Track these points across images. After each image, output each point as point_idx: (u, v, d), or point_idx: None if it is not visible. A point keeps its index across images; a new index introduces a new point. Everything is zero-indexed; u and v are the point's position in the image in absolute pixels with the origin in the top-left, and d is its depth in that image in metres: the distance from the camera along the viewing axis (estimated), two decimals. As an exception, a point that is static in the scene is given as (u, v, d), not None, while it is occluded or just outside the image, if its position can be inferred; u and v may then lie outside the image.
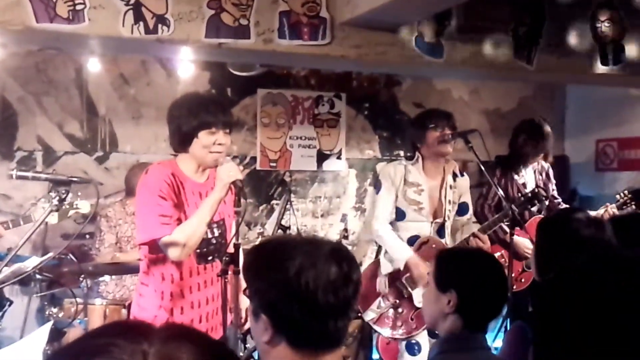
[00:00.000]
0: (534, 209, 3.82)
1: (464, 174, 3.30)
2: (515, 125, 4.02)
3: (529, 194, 3.35)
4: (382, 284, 3.14)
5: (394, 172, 3.12)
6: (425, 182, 3.12)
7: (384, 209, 3.11)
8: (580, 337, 0.85)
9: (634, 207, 3.74)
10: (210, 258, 2.37)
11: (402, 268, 3.07)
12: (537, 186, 3.62)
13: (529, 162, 3.88)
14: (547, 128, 3.89)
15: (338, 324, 1.20)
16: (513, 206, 3.20)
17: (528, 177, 3.88)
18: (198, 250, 2.29)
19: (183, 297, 2.31)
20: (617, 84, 4.46)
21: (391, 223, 3.13)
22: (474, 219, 3.34)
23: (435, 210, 3.14)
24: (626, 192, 3.84)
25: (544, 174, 3.97)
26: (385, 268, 3.16)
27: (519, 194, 3.80)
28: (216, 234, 2.37)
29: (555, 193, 4.01)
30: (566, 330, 0.86)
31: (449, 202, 3.15)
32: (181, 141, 2.29)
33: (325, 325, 1.18)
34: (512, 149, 3.94)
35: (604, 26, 3.89)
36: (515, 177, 3.86)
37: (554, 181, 4.03)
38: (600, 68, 3.96)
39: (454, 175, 3.20)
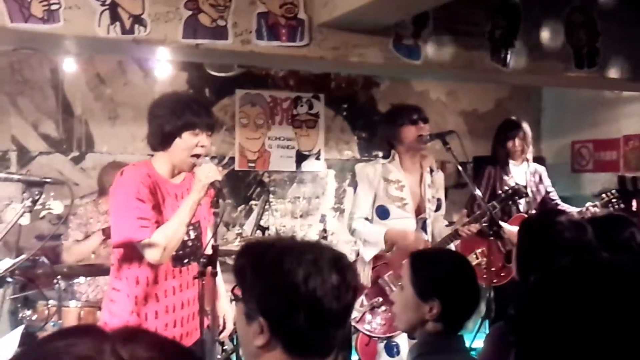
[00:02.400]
0: (521, 207, 3.89)
1: (439, 170, 3.33)
2: (498, 125, 4.08)
3: (510, 190, 3.38)
4: (365, 275, 3.11)
5: (372, 173, 3.12)
6: (405, 178, 3.12)
7: (360, 208, 3.12)
8: (562, 342, 0.86)
9: (621, 205, 3.81)
10: (186, 261, 2.34)
11: (384, 247, 3.05)
12: (516, 183, 3.65)
13: (515, 159, 3.94)
14: (525, 125, 3.98)
15: (337, 332, 1.21)
16: (495, 202, 3.25)
17: (518, 178, 3.92)
18: (174, 253, 2.26)
19: (157, 301, 2.27)
20: (592, 86, 4.54)
21: (372, 222, 3.12)
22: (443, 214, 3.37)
23: (418, 206, 3.15)
24: (613, 191, 3.91)
25: (536, 176, 4.00)
26: (368, 254, 3.12)
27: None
28: (192, 236, 2.34)
29: (552, 194, 4.05)
30: (549, 334, 0.87)
31: (429, 200, 3.17)
32: (162, 140, 2.24)
33: (326, 332, 1.19)
34: (496, 151, 4.00)
35: (579, 29, 3.96)
36: (505, 177, 3.91)
37: (548, 182, 4.05)
38: (574, 71, 4.03)
39: (431, 171, 3.22)
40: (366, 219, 3.12)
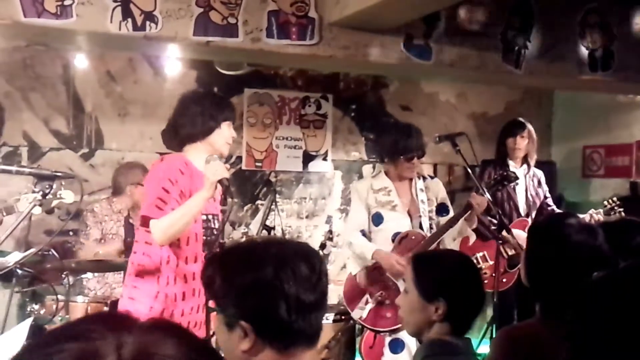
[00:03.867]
0: (522, 211, 3.85)
1: (434, 177, 3.38)
2: (501, 127, 4.06)
3: (498, 177, 3.33)
4: (361, 277, 3.22)
5: (361, 188, 3.26)
6: (391, 184, 3.22)
7: (354, 221, 3.27)
8: (632, 339, 0.84)
9: (622, 213, 3.76)
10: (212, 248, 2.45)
11: (369, 263, 3.18)
12: (507, 170, 3.55)
13: (512, 158, 3.89)
14: (529, 126, 3.93)
15: (318, 318, 1.22)
16: (484, 188, 3.19)
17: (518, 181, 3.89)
18: (205, 238, 2.40)
19: (185, 282, 2.36)
20: (606, 90, 4.50)
21: (370, 231, 3.23)
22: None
23: (409, 208, 3.21)
24: (615, 198, 3.86)
25: (535, 180, 3.97)
26: (354, 269, 3.28)
27: (511, 202, 3.82)
28: (216, 225, 2.46)
29: (549, 200, 4.00)
30: (618, 332, 0.86)
31: (422, 201, 3.22)
32: (202, 132, 2.38)
33: (309, 321, 1.19)
34: (498, 150, 3.97)
35: (593, 32, 3.92)
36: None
37: (546, 188, 4.02)
38: (588, 73, 3.99)
39: (424, 178, 3.29)
40: (362, 231, 3.23)
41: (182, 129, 2.40)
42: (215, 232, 2.43)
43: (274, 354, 1.17)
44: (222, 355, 1.21)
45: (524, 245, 1.95)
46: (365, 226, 3.23)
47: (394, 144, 3.16)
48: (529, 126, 3.93)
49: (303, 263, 1.19)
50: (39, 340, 0.58)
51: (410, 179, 3.24)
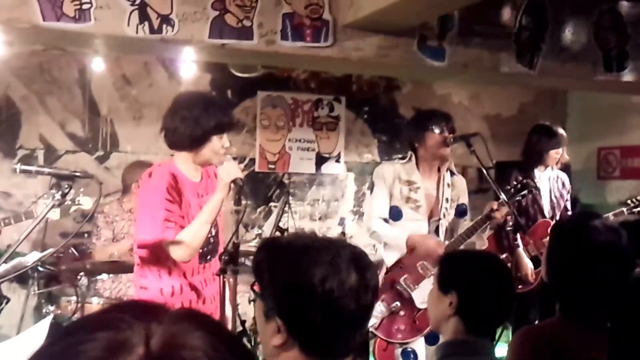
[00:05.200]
0: (546, 212, 3.80)
1: (460, 174, 3.28)
2: (532, 129, 3.95)
3: (518, 185, 3.26)
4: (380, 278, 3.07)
5: (388, 173, 3.08)
6: (420, 180, 3.09)
7: (377, 208, 3.09)
8: None
9: None
10: (208, 257, 2.39)
11: (404, 251, 3.01)
12: (527, 178, 3.50)
13: (544, 163, 3.81)
14: (561, 130, 3.87)
15: (355, 332, 1.19)
16: (504, 197, 3.13)
17: (542, 184, 3.83)
18: (200, 250, 2.31)
19: (193, 291, 2.32)
20: (621, 90, 4.47)
21: (387, 223, 3.10)
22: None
23: (431, 209, 3.11)
24: (639, 197, 3.80)
25: (559, 182, 3.92)
26: (390, 259, 3.09)
27: (535, 205, 3.78)
28: (212, 232, 2.38)
29: (568, 204, 3.94)
30: None
31: (447, 200, 3.12)
32: (190, 143, 2.26)
33: (344, 334, 1.17)
34: (526, 151, 3.90)
35: (608, 32, 3.89)
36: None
37: (569, 190, 3.95)
38: (603, 74, 3.96)
39: (451, 173, 3.18)
40: (384, 220, 3.09)
41: (171, 136, 2.29)
42: (211, 241, 2.36)
43: (302, 357, 1.16)
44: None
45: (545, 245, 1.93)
46: (387, 215, 3.06)
47: (422, 119, 3.12)
48: (564, 133, 3.86)
49: (354, 273, 1.16)
50: (67, 329, 0.57)
51: (439, 170, 3.09)
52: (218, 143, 2.26)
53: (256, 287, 1.25)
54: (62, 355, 0.53)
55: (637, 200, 3.79)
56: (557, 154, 3.81)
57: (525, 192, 3.20)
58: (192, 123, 2.22)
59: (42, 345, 0.56)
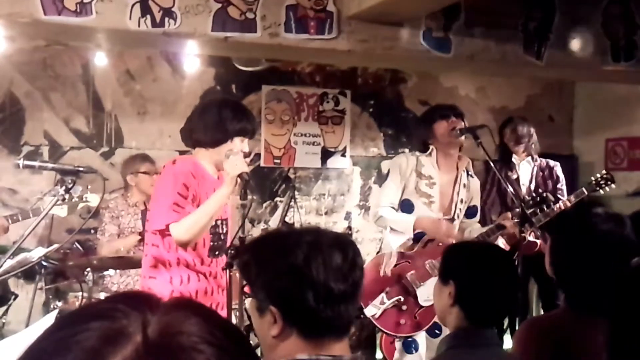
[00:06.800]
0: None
1: (474, 175, 3.24)
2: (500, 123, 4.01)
3: (537, 198, 3.20)
4: (390, 265, 3.00)
5: (405, 163, 3.05)
6: (438, 176, 3.05)
7: (388, 196, 3.06)
8: None
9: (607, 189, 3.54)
10: (217, 252, 2.43)
11: (412, 234, 2.98)
12: (542, 192, 3.46)
13: (515, 154, 3.84)
14: (527, 123, 3.88)
15: (348, 309, 1.21)
16: (517, 210, 3.10)
17: (522, 172, 3.83)
18: (210, 244, 2.36)
19: (199, 280, 2.35)
20: (629, 81, 4.41)
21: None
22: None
23: (444, 207, 3.07)
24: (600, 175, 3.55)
25: (546, 172, 3.89)
26: (395, 242, 3.04)
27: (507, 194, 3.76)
28: (224, 230, 2.44)
29: (560, 194, 3.88)
30: None
31: (461, 200, 3.09)
32: (213, 140, 2.34)
33: (338, 311, 1.18)
34: (500, 146, 3.90)
35: (616, 21, 3.84)
36: (509, 173, 3.82)
37: (563, 181, 3.92)
38: (611, 64, 3.91)
39: (468, 174, 3.14)
40: (394, 208, 3.07)
41: (195, 133, 2.40)
42: (222, 238, 2.42)
43: (301, 341, 1.17)
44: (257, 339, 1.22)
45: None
46: (396, 205, 3.03)
47: (427, 115, 3.13)
48: (517, 120, 3.91)
49: (336, 252, 1.19)
50: (63, 320, 0.57)
51: (457, 168, 3.06)
52: (238, 145, 2.34)
53: (247, 288, 1.30)
54: (56, 347, 0.52)
55: (600, 178, 3.60)
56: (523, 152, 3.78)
57: (544, 205, 3.13)
58: (220, 123, 2.34)
59: (36, 339, 0.55)
